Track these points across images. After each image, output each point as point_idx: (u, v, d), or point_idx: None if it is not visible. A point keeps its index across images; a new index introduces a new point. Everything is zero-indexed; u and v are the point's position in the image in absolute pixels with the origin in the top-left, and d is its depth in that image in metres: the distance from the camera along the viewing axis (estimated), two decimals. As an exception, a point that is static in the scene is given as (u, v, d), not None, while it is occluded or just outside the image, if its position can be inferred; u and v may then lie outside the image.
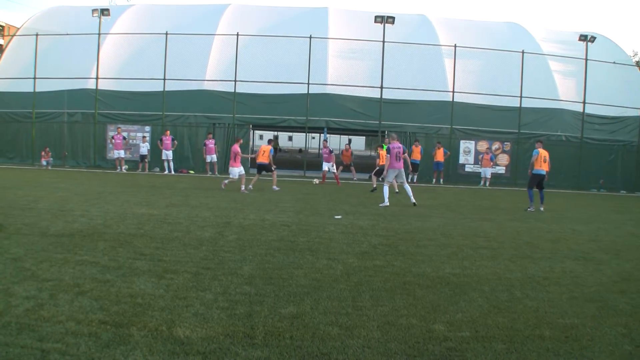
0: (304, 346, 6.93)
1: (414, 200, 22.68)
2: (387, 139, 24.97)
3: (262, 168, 27.70)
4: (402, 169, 23.10)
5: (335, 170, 32.23)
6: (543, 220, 20.47)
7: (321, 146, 39.99)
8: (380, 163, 29.04)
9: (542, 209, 23.24)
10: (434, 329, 7.67)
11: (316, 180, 27.01)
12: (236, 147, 25.63)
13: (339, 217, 18.31)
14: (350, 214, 19.32)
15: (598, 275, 11.60)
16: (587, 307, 9.21)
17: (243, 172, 26.00)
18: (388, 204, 22.28)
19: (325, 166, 33.39)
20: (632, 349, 7.52)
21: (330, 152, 33.10)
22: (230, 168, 25.58)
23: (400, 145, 23.46)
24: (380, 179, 28.80)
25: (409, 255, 12.57)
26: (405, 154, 23.84)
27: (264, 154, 27.57)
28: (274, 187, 26.99)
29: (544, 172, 23.42)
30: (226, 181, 25.17)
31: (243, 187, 24.20)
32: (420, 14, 47.65)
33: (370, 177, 32.42)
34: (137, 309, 8.01)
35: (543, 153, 23.41)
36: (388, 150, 22.97)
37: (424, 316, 8.20)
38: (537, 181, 23.37)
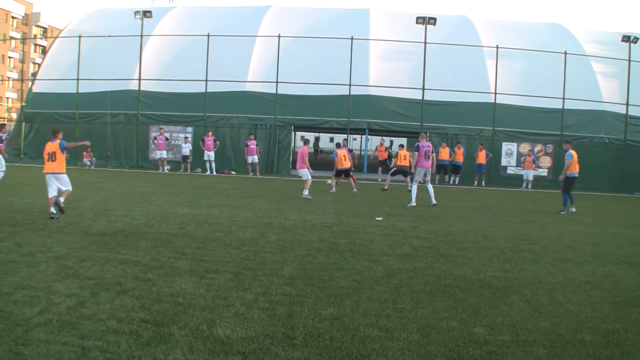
0: (344, 347, 6.93)
1: (434, 202, 22.63)
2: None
3: (343, 172, 27.81)
4: (430, 169, 23.06)
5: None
6: (585, 223, 20.24)
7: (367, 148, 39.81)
8: (398, 163, 29.07)
9: (573, 209, 23.01)
10: (475, 333, 7.64)
11: (329, 181, 26.84)
12: (305, 150, 25.36)
13: (380, 218, 18.25)
14: (391, 215, 19.25)
15: (642, 280, 11.44)
16: (629, 312, 9.10)
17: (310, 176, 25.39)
18: (415, 204, 22.30)
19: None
20: (675, 354, 7.41)
21: (350, 151, 33.05)
22: (300, 170, 25.08)
23: (430, 144, 23.48)
24: (408, 178, 28.74)
25: (450, 257, 12.50)
26: (434, 154, 23.88)
27: (345, 159, 27.63)
28: (354, 190, 27.31)
29: (577, 175, 23.13)
30: (306, 192, 23.95)
31: (306, 192, 23.77)
32: (462, 15, 47.39)
33: (377, 176, 32.53)
34: (178, 308, 8.08)
35: (575, 155, 23.13)
36: (417, 149, 22.83)
37: (464, 319, 8.16)
38: (572, 184, 23.05)
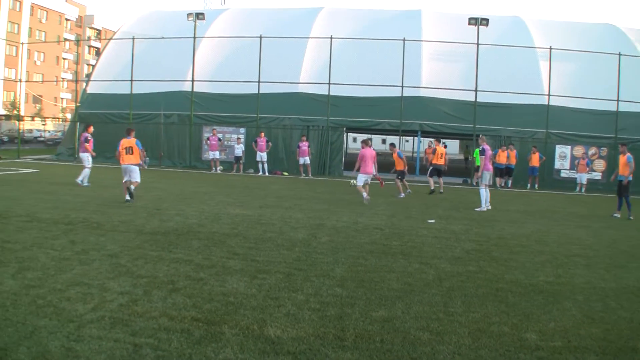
0: (394, 350, 6.93)
1: (489, 206, 22.33)
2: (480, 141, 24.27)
3: (438, 171, 27.82)
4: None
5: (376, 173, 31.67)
6: (641, 228, 19.97)
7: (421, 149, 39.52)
8: (434, 162, 28.60)
9: (618, 215, 22.52)
10: (526, 338, 7.58)
11: (353, 182, 26.54)
12: (369, 151, 24.35)
13: (432, 221, 18.15)
14: (443, 218, 19.13)
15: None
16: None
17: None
18: (485, 208, 22.00)
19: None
20: None
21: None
22: (361, 174, 23.25)
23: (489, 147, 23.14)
24: (474, 183, 28.42)
25: (502, 261, 12.39)
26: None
27: (442, 156, 27.68)
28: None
29: (624, 178, 22.61)
30: (365, 195, 22.59)
31: (366, 195, 22.58)
32: (514, 16, 46.88)
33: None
34: (229, 308, 8.14)
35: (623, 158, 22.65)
36: (482, 152, 22.57)
37: (515, 324, 8.10)
38: (623, 187, 22.54)
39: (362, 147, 23.08)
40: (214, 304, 8.26)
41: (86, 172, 25.67)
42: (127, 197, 20.01)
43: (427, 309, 8.57)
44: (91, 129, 28.26)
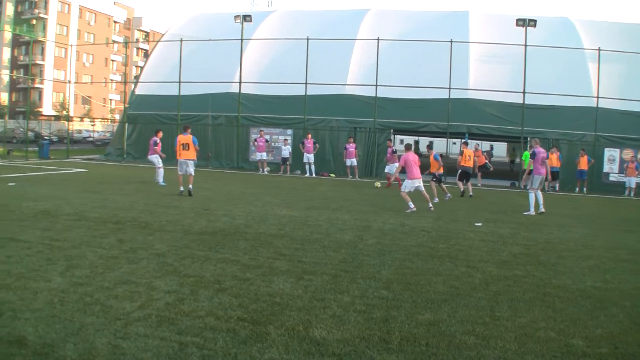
0: (439, 354, 6.89)
1: (542, 209, 21.71)
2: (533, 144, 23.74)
3: (466, 174, 27.49)
4: (544, 176, 22.34)
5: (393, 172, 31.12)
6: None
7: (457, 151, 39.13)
8: (462, 164, 27.76)
9: None
10: (573, 344, 7.46)
11: (378, 183, 26.06)
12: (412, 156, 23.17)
13: (480, 224, 17.99)
14: (490, 221, 18.96)
15: None
16: None
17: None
18: (533, 212, 21.55)
19: (387, 168, 32.88)
20: None
21: (394, 152, 32.45)
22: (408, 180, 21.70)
23: (544, 150, 22.65)
24: (524, 187, 28.08)
25: (549, 266, 12.25)
26: (547, 160, 22.86)
27: (470, 158, 27.36)
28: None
29: None
30: (411, 206, 21.03)
31: (412, 205, 20.98)
32: (562, 17, 46.38)
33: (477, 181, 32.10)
34: (275, 308, 8.16)
35: None
36: (532, 156, 22.17)
37: (562, 330, 7.99)
38: None
39: (405, 151, 21.88)
40: (260, 304, 8.28)
41: (160, 172, 27.02)
42: (181, 189, 22.43)
43: (474, 312, 8.51)
44: (160, 134, 29.16)
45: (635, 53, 37.99)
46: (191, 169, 22.72)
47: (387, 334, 7.38)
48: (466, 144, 29.06)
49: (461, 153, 28.66)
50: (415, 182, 21.20)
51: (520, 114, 37.20)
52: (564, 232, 17.67)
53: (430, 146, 26.67)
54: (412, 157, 21.48)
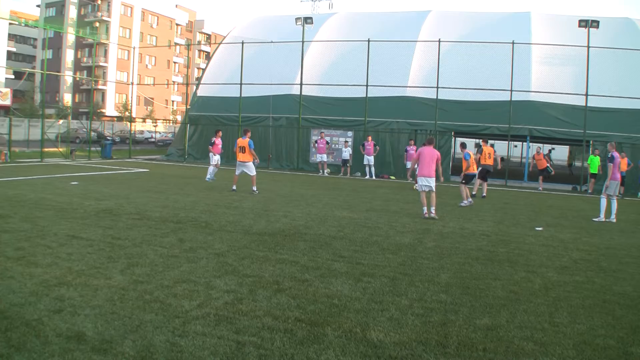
0: (497, 359, 6.79)
1: (614, 219, 20.82)
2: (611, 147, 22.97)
3: (487, 172, 26.81)
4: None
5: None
6: None
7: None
8: (482, 162, 26.67)
9: None
10: (632, 352, 7.34)
11: (416, 186, 25.42)
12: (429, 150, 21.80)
13: (540, 228, 17.75)
14: (551, 225, 18.69)
15: None
16: None
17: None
18: (603, 219, 20.83)
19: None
20: None
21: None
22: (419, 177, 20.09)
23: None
24: (589, 191, 27.58)
25: (610, 272, 12.01)
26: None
27: (490, 156, 26.65)
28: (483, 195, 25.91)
29: None
30: (425, 211, 19.65)
31: (426, 210, 19.60)
32: (625, 17, 45.64)
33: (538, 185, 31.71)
34: (333, 310, 8.14)
35: None
36: (611, 160, 21.30)
37: (622, 337, 7.85)
38: None
39: (423, 145, 20.22)
40: (318, 306, 8.29)
41: (210, 169, 29.05)
42: (234, 188, 24.03)
43: (532, 318, 8.40)
44: (220, 134, 30.58)
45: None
46: (249, 171, 23.78)
47: (444, 337, 7.33)
48: (486, 141, 28.39)
49: (481, 151, 27.73)
50: (424, 180, 19.47)
51: (582, 117, 36.66)
52: (627, 237, 17.34)
53: (463, 145, 25.67)
54: (428, 151, 19.76)
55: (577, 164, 57.71)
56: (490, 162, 27.04)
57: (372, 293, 9.12)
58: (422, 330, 7.56)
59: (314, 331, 7.27)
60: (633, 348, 7.45)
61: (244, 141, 23.83)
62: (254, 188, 23.52)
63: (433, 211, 19.04)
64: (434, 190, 19.30)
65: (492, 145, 31.28)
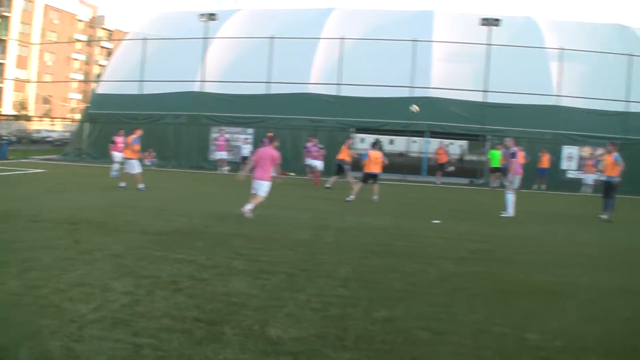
0: (395, 350, 6.97)
1: (509, 213, 21.02)
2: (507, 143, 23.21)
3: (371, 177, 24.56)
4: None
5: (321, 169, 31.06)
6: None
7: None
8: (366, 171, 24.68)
9: (605, 216, 21.45)
10: (527, 338, 7.59)
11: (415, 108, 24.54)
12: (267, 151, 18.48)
13: (438, 222, 18.11)
14: (449, 218, 19.09)
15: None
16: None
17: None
18: (512, 214, 20.93)
19: (313, 162, 32.98)
20: None
21: (320, 149, 32.37)
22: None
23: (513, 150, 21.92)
24: (492, 185, 28.21)
25: (506, 262, 12.42)
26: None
27: (377, 161, 24.34)
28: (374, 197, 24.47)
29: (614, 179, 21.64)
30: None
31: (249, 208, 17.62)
32: (526, 16, 46.78)
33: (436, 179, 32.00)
34: (232, 308, 8.16)
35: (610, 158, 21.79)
36: (513, 155, 21.61)
37: (517, 325, 8.11)
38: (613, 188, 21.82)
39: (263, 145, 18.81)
40: (216, 304, 8.27)
41: (114, 166, 28.76)
42: (120, 184, 23.79)
43: (430, 309, 8.58)
44: (122, 132, 29.48)
45: (596, 52, 38.56)
46: (129, 168, 23.99)
47: (343, 331, 7.42)
48: (376, 146, 25.54)
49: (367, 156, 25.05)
50: (256, 182, 17.85)
51: (481, 113, 37.54)
52: (522, 229, 17.87)
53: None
54: (263, 152, 18.58)
55: (474, 158, 59.05)
56: (375, 169, 24.47)
57: (270, 290, 9.16)
58: (320, 325, 7.64)
59: (213, 330, 7.25)
60: (529, 334, 7.70)
61: (128, 139, 24.21)
62: (140, 185, 23.23)
63: (249, 207, 17.20)
64: (262, 194, 17.68)
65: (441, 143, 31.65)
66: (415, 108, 26.66)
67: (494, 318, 8.32)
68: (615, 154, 21.40)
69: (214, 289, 9.09)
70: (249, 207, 17.19)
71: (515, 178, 21.48)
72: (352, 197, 23.35)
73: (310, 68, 41.55)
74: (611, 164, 21.51)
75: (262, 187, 17.64)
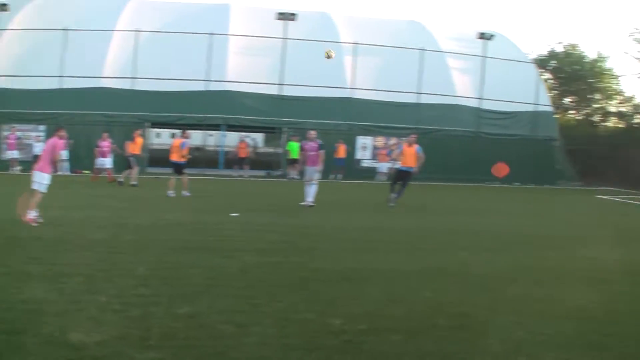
0: (199, 346, 7.01)
1: (311, 202, 21.47)
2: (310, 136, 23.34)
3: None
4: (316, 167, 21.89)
5: (111, 167, 31.09)
6: (439, 213, 21.29)
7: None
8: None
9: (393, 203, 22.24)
10: (331, 323, 7.84)
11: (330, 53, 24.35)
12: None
13: (236, 214, 18.25)
14: (249, 211, 19.25)
15: (491, 266, 12.10)
16: (481, 296, 9.66)
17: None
18: (311, 203, 21.29)
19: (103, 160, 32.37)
20: (523, 334, 7.91)
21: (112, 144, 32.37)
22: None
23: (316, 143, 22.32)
24: (291, 176, 28.61)
25: (307, 250, 12.75)
26: (321, 151, 22.28)
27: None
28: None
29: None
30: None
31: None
32: (322, 12, 47.70)
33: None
34: (30, 316, 7.86)
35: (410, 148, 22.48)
36: (321, 147, 22.14)
37: (321, 310, 8.36)
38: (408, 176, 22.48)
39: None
40: (14, 313, 7.93)
41: None
42: None
43: (232, 302, 8.70)
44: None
45: (389, 47, 40.10)
46: None
47: (145, 331, 7.38)
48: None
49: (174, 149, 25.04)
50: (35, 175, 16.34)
51: (277, 106, 38.06)
52: (321, 217, 18.35)
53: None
54: (47, 143, 17.76)
55: (270, 150, 59.76)
56: (175, 157, 24.49)
57: (69, 294, 8.91)
58: (123, 326, 7.56)
59: (12, 340, 6.97)
60: (332, 319, 7.98)
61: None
62: None
63: (32, 215, 15.82)
64: (39, 190, 16.17)
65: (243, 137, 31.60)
66: (330, 53, 26.07)
67: (297, 305, 8.57)
68: (417, 146, 22.13)
69: (9, 296, 8.72)
70: (32, 214, 15.73)
71: (307, 169, 21.89)
72: (171, 192, 23.32)
73: (104, 61, 40.47)
74: (410, 155, 22.15)
75: (39, 180, 16.13)
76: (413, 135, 23.25)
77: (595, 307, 9.55)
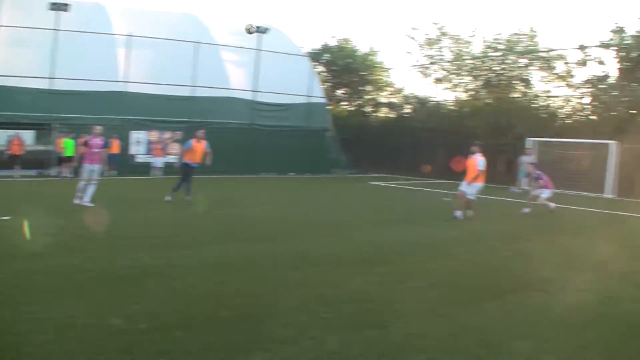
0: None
1: (88, 202, 20.58)
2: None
3: None
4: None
5: None
6: (221, 206, 21.46)
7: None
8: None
9: (189, 198, 22.33)
10: (112, 324, 7.70)
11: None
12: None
13: (7, 217, 16.99)
14: (22, 214, 17.74)
15: (272, 254, 12.47)
16: (262, 285, 9.97)
17: None
18: (88, 202, 20.38)
19: None
20: (306, 318, 8.25)
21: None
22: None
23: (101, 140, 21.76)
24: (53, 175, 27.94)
25: (80, 251, 12.25)
26: (105, 149, 21.97)
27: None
28: None
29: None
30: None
31: None
32: (96, 2, 46.31)
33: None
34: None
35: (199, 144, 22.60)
36: (86, 144, 21.41)
37: (99, 312, 8.20)
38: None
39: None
40: None
41: None
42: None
43: (8, 312, 8.17)
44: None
45: (164, 39, 39.84)
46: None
47: None
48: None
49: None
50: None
51: (49, 100, 36.88)
52: (96, 216, 17.78)
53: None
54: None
55: (41, 148, 57.94)
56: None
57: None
58: None
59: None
60: (113, 320, 7.82)
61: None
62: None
63: None
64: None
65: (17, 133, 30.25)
66: (251, 29, 24.42)
67: (74, 310, 8.26)
68: (205, 142, 22.33)
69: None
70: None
71: (84, 167, 20.93)
72: None
73: None
74: (200, 151, 22.31)
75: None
76: (201, 131, 23.04)
77: (371, 289, 10.14)
